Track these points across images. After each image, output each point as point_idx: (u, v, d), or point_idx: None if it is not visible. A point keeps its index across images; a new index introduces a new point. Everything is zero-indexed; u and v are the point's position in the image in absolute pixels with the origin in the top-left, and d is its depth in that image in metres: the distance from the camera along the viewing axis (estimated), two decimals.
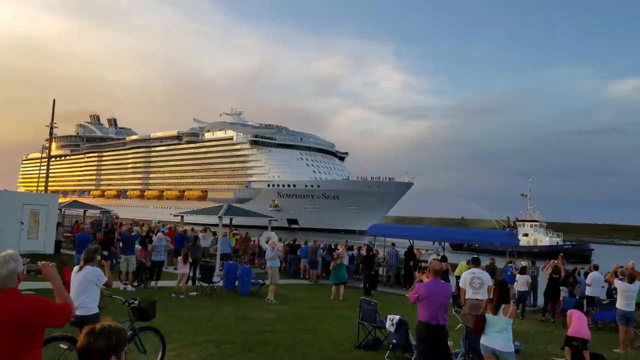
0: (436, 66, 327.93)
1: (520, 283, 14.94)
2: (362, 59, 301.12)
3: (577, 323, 8.70)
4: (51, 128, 41.05)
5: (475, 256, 10.98)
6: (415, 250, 19.72)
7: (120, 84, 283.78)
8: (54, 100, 39.30)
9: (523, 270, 15.78)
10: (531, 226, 55.22)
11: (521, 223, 56.28)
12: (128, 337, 2.36)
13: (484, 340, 6.25)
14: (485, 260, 18.22)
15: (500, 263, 20.09)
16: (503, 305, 6.17)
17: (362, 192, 75.32)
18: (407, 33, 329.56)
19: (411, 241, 20.89)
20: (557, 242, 54.24)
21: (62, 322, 3.19)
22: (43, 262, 3.56)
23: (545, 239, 53.79)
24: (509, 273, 17.39)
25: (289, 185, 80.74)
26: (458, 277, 16.05)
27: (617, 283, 10.90)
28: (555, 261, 15.40)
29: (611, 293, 14.94)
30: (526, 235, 54.07)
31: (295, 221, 78.91)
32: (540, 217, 56.35)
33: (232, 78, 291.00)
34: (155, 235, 17.57)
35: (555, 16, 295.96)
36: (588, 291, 13.81)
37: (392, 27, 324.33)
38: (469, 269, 17.10)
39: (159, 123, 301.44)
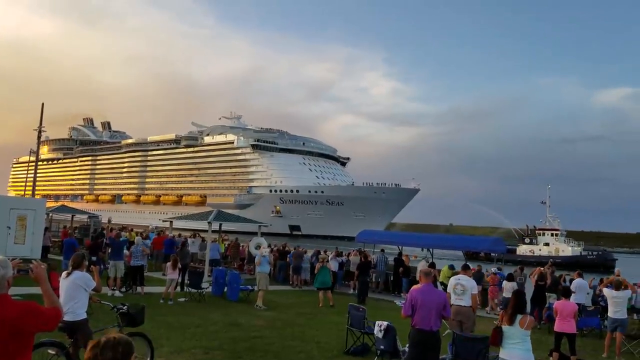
0: (426, 73, 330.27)
1: (507, 290, 15.10)
2: (353, 65, 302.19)
3: (560, 319, 8.88)
4: (39, 132, 40.61)
5: (465, 263, 11.07)
6: (404, 257, 19.79)
7: (113, 87, 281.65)
8: (43, 104, 38.98)
9: (510, 277, 15.96)
10: (552, 235, 52.72)
11: (541, 232, 53.68)
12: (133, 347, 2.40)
13: (502, 354, 6.06)
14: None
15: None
16: (519, 316, 6.03)
17: (368, 198, 73.39)
18: (398, 40, 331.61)
19: (400, 247, 20.99)
20: (580, 252, 51.93)
21: (51, 326, 3.22)
22: (35, 261, 3.58)
23: (567, 249, 51.47)
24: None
25: (291, 191, 78.66)
26: (442, 284, 16.23)
27: (605, 291, 11.12)
28: (542, 268, 15.58)
29: (596, 300, 15.14)
30: (547, 244, 52.07)
31: (297, 228, 77.48)
32: (561, 226, 53.66)
33: (224, 82, 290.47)
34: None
35: (544, 25, 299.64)
36: (573, 298, 13.95)
37: (383, 33, 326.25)
38: (452, 274, 17.28)
39: (152, 126, 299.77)
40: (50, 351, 5.92)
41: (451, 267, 18.26)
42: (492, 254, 30.87)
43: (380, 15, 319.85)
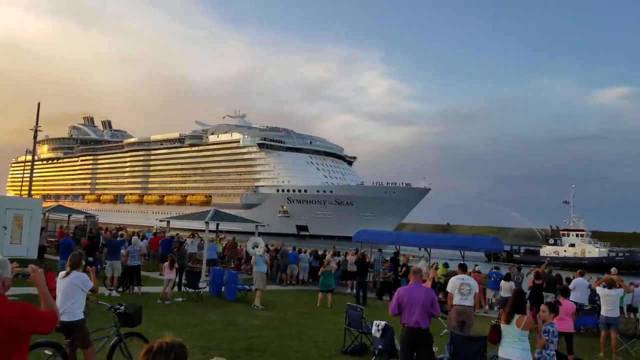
0: (424, 73, 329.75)
1: (505, 289, 15.13)
2: (350, 65, 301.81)
3: (557, 318, 8.84)
4: (35, 131, 40.47)
5: (462, 262, 11.06)
6: (401, 257, 19.76)
7: (111, 88, 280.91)
8: (39, 104, 38.85)
9: (507, 277, 15.99)
10: (577, 235, 50.95)
11: (565, 232, 51.91)
12: (185, 352, 2.35)
13: (501, 353, 6.08)
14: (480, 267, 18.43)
15: (485, 269, 20.23)
16: (517, 316, 6.02)
17: (377, 198, 71.80)
18: (396, 39, 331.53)
19: (397, 247, 20.98)
20: (608, 253, 50.43)
21: (48, 329, 3.21)
22: (33, 266, 3.58)
23: (594, 250, 49.66)
24: (492, 279, 17.59)
25: (299, 191, 76.97)
26: (438, 282, 16.22)
27: (598, 289, 11.14)
28: (538, 268, 15.63)
29: (593, 299, 15.17)
30: (572, 245, 50.69)
31: (305, 228, 76.27)
32: (586, 226, 52.17)
33: (222, 83, 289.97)
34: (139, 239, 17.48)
35: (541, 25, 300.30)
36: (572, 296, 13.97)
37: (381, 33, 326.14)
38: (446, 272, 17.25)
39: (151, 126, 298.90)
40: (46, 352, 5.89)
41: (445, 265, 18.26)
42: (515, 255, 29.23)
43: (377, 14, 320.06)
